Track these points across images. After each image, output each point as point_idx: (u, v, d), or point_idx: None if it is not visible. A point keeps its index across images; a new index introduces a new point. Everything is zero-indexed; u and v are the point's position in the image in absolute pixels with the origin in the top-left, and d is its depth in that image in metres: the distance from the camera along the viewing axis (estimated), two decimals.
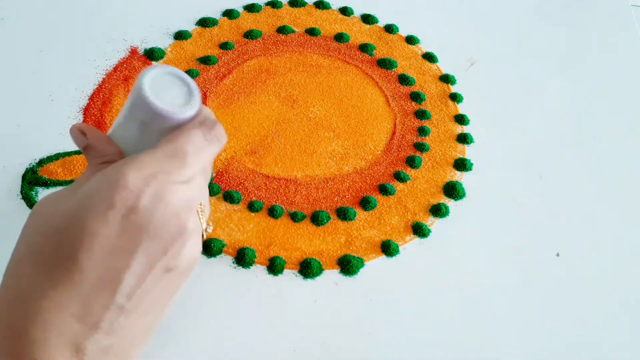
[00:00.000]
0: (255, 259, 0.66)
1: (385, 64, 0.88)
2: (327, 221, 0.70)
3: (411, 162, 0.77)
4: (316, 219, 0.70)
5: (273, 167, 0.75)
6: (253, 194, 0.72)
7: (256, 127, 0.79)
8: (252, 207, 0.71)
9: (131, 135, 0.47)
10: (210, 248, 0.67)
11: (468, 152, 0.79)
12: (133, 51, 0.87)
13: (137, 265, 0.40)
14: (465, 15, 0.98)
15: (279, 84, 0.85)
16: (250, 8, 0.95)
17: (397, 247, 0.69)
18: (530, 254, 0.69)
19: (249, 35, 0.90)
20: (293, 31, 0.92)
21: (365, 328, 0.62)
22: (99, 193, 0.40)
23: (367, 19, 0.95)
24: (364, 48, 0.90)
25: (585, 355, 0.62)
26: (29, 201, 0.69)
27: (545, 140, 0.81)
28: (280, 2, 0.96)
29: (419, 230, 0.70)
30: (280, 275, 0.66)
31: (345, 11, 0.96)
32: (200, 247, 0.46)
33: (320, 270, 0.66)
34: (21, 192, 0.70)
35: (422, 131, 0.80)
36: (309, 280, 0.65)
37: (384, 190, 0.74)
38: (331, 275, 0.66)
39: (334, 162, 0.76)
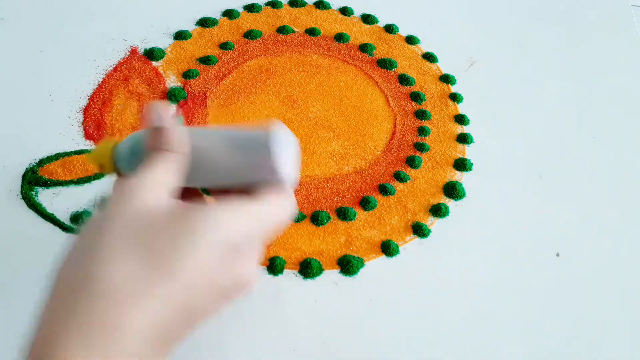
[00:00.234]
0: None
1: (385, 64, 0.88)
2: (327, 221, 0.70)
3: (411, 162, 0.77)
4: (316, 219, 0.70)
5: None
6: None
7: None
8: None
9: (216, 155, 0.46)
10: None
11: (468, 152, 0.79)
12: (133, 51, 0.87)
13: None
14: (465, 15, 0.98)
15: (279, 84, 0.85)
16: (250, 8, 0.95)
17: (397, 247, 0.69)
18: (530, 254, 0.69)
19: (249, 35, 0.90)
20: (293, 31, 0.92)
21: (365, 328, 0.62)
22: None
23: (367, 19, 0.95)
24: (364, 48, 0.90)
25: (585, 355, 0.62)
26: (29, 201, 0.69)
27: (545, 140, 0.81)
28: (280, 2, 0.96)
29: (419, 230, 0.70)
30: (280, 275, 0.66)
31: (345, 11, 0.96)
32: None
33: (320, 270, 0.66)
34: (21, 192, 0.70)
35: (422, 131, 0.80)
36: (309, 280, 0.65)
37: (384, 190, 0.74)
38: (331, 275, 0.66)
39: (334, 162, 0.76)
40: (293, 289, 0.65)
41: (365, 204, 0.72)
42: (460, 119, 0.82)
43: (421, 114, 0.82)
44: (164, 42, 0.88)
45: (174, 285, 0.38)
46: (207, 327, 0.61)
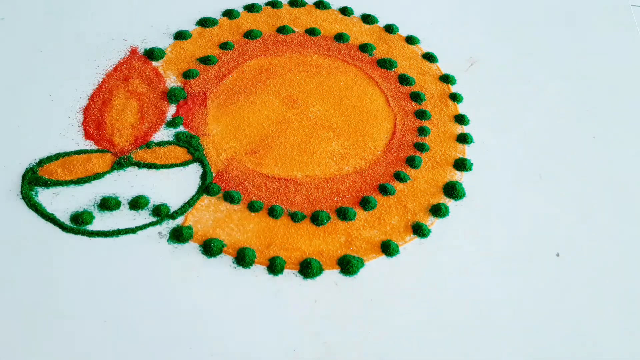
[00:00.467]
0: (255, 259, 0.66)
1: (385, 64, 0.88)
2: (327, 221, 0.70)
3: (411, 162, 0.77)
4: (316, 219, 0.70)
5: (273, 167, 0.75)
6: (253, 194, 0.72)
7: (256, 127, 0.79)
8: (252, 207, 0.71)
9: None
10: (210, 248, 0.67)
11: (468, 152, 0.79)
12: (133, 51, 0.87)
13: None
14: (465, 15, 0.98)
15: (279, 84, 0.85)
16: (250, 8, 0.95)
17: (397, 247, 0.69)
18: (530, 254, 0.69)
19: (249, 35, 0.90)
20: (293, 31, 0.92)
21: (365, 328, 0.62)
22: None
23: (367, 19, 0.95)
24: (364, 48, 0.90)
25: (585, 354, 0.62)
26: (29, 201, 0.69)
27: (545, 140, 0.81)
28: (280, 2, 0.96)
29: (419, 230, 0.70)
30: (280, 275, 0.66)
31: (345, 11, 0.96)
32: None
33: (320, 270, 0.66)
34: (21, 192, 0.70)
35: (422, 131, 0.80)
36: (309, 280, 0.65)
37: (384, 190, 0.74)
38: (331, 275, 0.66)
39: (334, 162, 0.76)
40: (293, 289, 0.65)
41: (365, 204, 0.72)
42: (460, 119, 0.82)
43: (421, 114, 0.82)
44: (164, 42, 0.88)
45: None
46: (207, 327, 0.61)
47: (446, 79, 0.87)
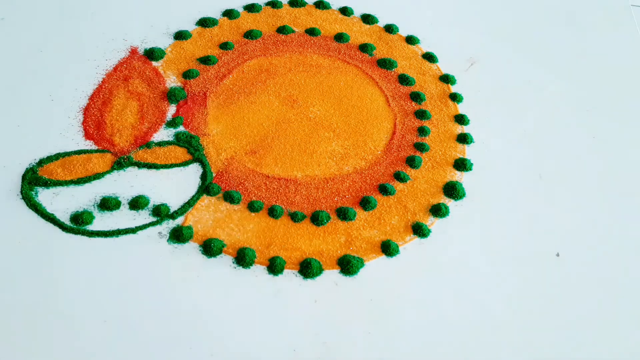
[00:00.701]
0: (255, 259, 0.66)
1: (385, 64, 0.88)
2: (327, 221, 0.70)
3: (411, 162, 0.77)
4: (316, 219, 0.70)
5: (273, 167, 0.75)
6: (253, 194, 0.72)
7: (256, 127, 0.79)
8: (252, 207, 0.71)
9: None
10: (210, 248, 0.67)
11: (468, 152, 0.79)
12: (133, 51, 0.87)
13: None
14: (465, 15, 0.98)
15: (279, 84, 0.85)
16: (250, 8, 0.95)
17: (397, 247, 0.69)
18: (530, 254, 0.69)
19: (249, 35, 0.90)
20: (293, 31, 0.92)
21: (365, 328, 0.62)
22: None
23: (367, 19, 0.95)
24: (364, 48, 0.90)
25: (585, 354, 0.62)
26: (29, 201, 0.69)
27: (546, 141, 0.81)
28: (280, 2, 0.96)
29: (419, 230, 0.70)
30: (280, 275, 0.66)
31: (345, 11, 0.96)
32: None
33: (320, 270, 0.66)
34: (21, 192, 0.70)
35: (422, 131, 0.80)
36: (309, 280, 0.65)
37: (384, 190, 0.74)
38: (331, 275, 0.66)
39: (334, 162, 0.76)
40: (293, 289, 0.65)
41: (365, 204, 0.72)
42: (460, 119, 0.82)
43: (421, 114, 0.82)
44: (164, 42, 0.88)
45: None
46: (207, 327, 0.61)
47: (446, 79, 0.87)
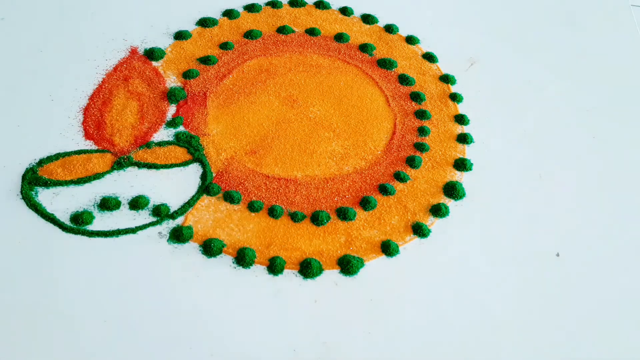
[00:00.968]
0: (255, 259, 0.66)
1: (385, 64, 0.88)
2: (327, 221, 0.70)
3: (411, 162, 0.77)
4: (316, 219, 0.70)
5: (273, 167, 0.75)
6: (253, 194, 0.72)
7: (256, 127, 0.79)
8: (252, 207, 0.71)
9: None
10: (210, 248, 0.67)
11: (468, 152, 0.79)
12: (133, 51, 0.87)
13: None
14: (465, 16, 0.98)
15: (279, 84, 0.85)
16: (250, 8, 0.95)
17: (397, 247, 0.69)
18: (530, 254, 0.69)
19: (249, 35, 0.90)
20: (293, 31, 0.92)
21: (365, 328, 0.62)
22: None
23: (367, 19, 0.95)
24: (364, 48, 0.90)
25: (585, 354, 0.62)
26: (29, 201, 0.69)
27: (546, 140, 0.81)
28: (280, 2, 0.96)
29: (419, 230, 0.70)
30: (280, 275, 0.66)
31: (345, 11, 0.96)
32: None
33: (320, 270, 0.66)
34: (21, 192, 0.70)
35: (422, 131, 0.80)
36: (309, 280, 0.65)
37: (384, 190, 0.74)
38: (331, 275, 0.66)
39: (334, 162, 0.76)
40: (293, 289, 0.65)
41: (365, 204, 0.72)
42: (460, 119, 0.82)
43: (421, 114, 0.82)
44: (164, 42, 0.88)
45: None
46: (207, 327, 0.61)
47: (446, 79, 0.87)
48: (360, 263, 0.67)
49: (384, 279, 0.66)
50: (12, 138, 0.75)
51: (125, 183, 0.72)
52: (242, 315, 0.62)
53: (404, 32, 0.94)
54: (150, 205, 0.70)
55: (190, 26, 0.91)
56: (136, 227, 0.68)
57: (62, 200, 0.70)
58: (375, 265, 0.67)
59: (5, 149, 0.74)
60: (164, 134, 0.77)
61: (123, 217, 0.69)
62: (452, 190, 0.74)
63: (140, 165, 0.73)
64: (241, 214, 0.70)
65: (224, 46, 0.89)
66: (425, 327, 0.62)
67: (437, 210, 0.72)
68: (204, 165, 0.74)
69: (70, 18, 0.91)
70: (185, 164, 0.74)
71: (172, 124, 0.78)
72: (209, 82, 0.84)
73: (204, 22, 0.92)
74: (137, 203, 0.70)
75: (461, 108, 0.84)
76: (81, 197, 0.70)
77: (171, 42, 0.89)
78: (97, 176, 0.72)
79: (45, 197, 0.70)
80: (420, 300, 0.64)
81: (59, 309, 0.61)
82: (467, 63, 0.90)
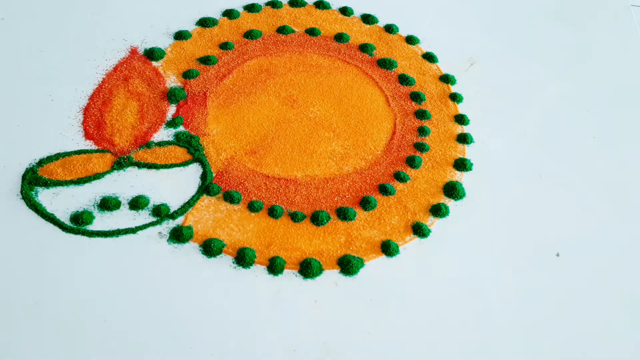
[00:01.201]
0: (255, 259, 0.66)
1: (385, 64, 0.88)
2: (327, 221, 0.70)
3: (411, 162, 0.77)
4: (316, 219, 0.70)
5: (273, 167, 0.75)
6: (253, 194, 0.72)
7: (256, 127, 0.79)
8: (252, 207, 0.71)
9: None
10: (210, 248, 0.67)
11: (468, 152, 0.79)
12: (133, 51, 0.87)
13: None
14: (465, 15, 0.98)
15: (279, 84, 0.85)
16: (250, 8, 0.95)
17: (397, 247, 0.69)
18: (530, 254, 0.69)
19: (249, 35, 0.90)
20: (293, 31, 0.92)
21: (365, 328, 0.62)
22: None
23: (367, 19, 0.95)
24: (364, 48, 0.90)
25: (585, 354, 0.62)
26: (29, 201, 0.69)
27: (545, 140, 0.81)
28: (280, 2, 0.96)
29: (419, 230, 0.70)
30: (280, 275, 0.66)
31: (345, 11, 0.96)
32: None
33: (320, 270, 0.66)
34: (21, 192, 0.70)
35: (422, 131, 0.80)
36: (309, 280, 0.65)
37: (384, 190, 0.74)
38: (331, 275, 0.66)
39: (334, 162, 0.76)
40: (293, 289, 0.65)
41: (365, 204, 0.72)
42: (460, 119, 0.82)
43: (421, 114, 0.82)
44: (164, 42, 0.88)
45: None
46: (207, 327, 0.61)
47: (446, 79, 0.87)
48: (360, 263, 0.67)
49: (384, 279, 0.66)
50: (12, 138, 0.75)
51: (125, 183, 0.72)
52: (242, 315, 0.62)
53: (404, 32, 0.94)
54: (150, 205, 0.70)
55: (190, 26, 0.91)
56: (136, 227, 0.68)
57: (62, 200, 0.70)
58: (375, 265, 0.67)
59: (5, 149, 0.74)
60: (164, 134, 0.77)
61: (123, 217, 0.69)
62: (452, 190, 0.74)
63: (140, 165, 0.73)
64: (241, 214, 0.70)
65: (224, 46, 0.89)
66: (425, 327, 0.62)
67: (437, 210, 0.72)
68: (204, 165, 0.74)
69: (70, 18, 0.91)
70: (185, 164, 0.74)
71: (172, 124, 0.78)
72: (209, 82, 0.84)
73: (204, 22, 0.92)
74: (137, 203, 0.70)
75: (461, 108, 0.84)
76: (81, 197, 0.70)
77: (171, 42, 0.89)
78: (97, 176, 0.72)
79: (45, 197, 0.70)
80: (420, 300, 0.64)
81: (59, 309, 0.61)
82: (467, 63, 0.90)
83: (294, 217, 0.70)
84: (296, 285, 0.65)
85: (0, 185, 0.70)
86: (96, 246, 0.66)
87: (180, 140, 0.76)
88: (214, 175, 0.73)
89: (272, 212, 0.70)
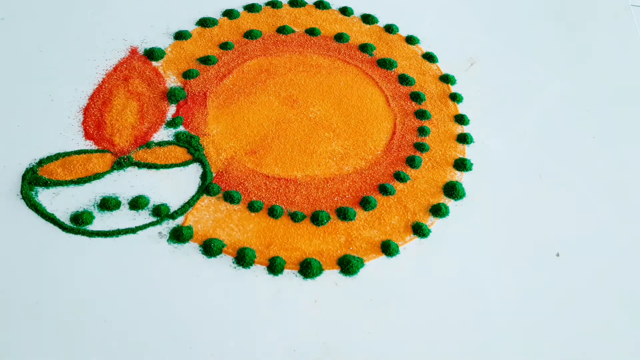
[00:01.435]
0: (255, 259, 0.66)
1: (385, 64, 0.88)
2: (327, 221, 0.70)
3: (411, 162, 0.77)
4: (316, 219, 0.70)
5: (273, 167, 0.75)
6: (253, 194, 0.72)
7: (256, 127, 0.79)
8: (252, 207, 0.71)
9: None
10: (210, 248, 0.67)
11: (468, 152, 0.79)
12: (133, 51, 0.87)
13: None
14: (465, 15, 0.98)
15: (279, 84, 0.85)
16: (250, 8, 0.95)
17: (397, 247, 0.69)
18: (530, 254, 0.69)
19: (249, 35, 0.90)
20: (293, 31, 0.92)
21: (365, 328, 0.62)
22: None
23: (367, 19, 0.95)
24: (364, 48, 0.90)
25: (585, 354, 0.62)
26: (29, 201, 0.69)
27: (545, 140, 0.81)
28: (280, 2, 0.96)
29: (419, 230, 0.70)
30: (280, 275, 0.66)
31: (345, 11, 0.96)
32: None
33: (320, 270, 0.66)
34: (21, 192, 0.70)
35: (422, 131, 0.80)
36: (309, 280, 0.65)
37: (384, 190, 0.74)
38: (331, 275, 0.66)
39: (334, 162, 0.76)
40: (293, 289, 0.65)
41: (365, 204, 0.72)
42: (460, 119, 0.82)
43: (421, 114, 0.82)
44: (164, 42, 0.88)
45: None
46: (207, 327, 0.61)
47: (446, 79, 0.87)
48: (360, 263, 0.67)
49: (384, 279, 0.66)
50: (12, 138, 0.75)
51: (125, 183, 0.72)
52: (242, 315, 0.62)
53: (404, 32, 0.94)
54: (150, 205, 0.70)
55: (190, 26, 0.91)
56: (136, 227, 0.68)
57: (62, 200, 0.70)
58: (375, 265, 0.67)
59: (5, 149, 0.74)
60: (164, 134, 0.77)
61: (123, 217, 0.69)
62: (452, 190, 0.74)
63: (140, 165, 0.73)
64: (241, 214, 0.70)
65: (224, 46, 0.89)
66: (425, 327, 0.62)
67: (437, 210, 0.72)
68: (204, 165, 0.74)
69: (70, 18, 0.91)
70: (185, 164, 0.74)
71: (172, 124, 0.78)
72: (209, 82, 0.84)
73: (204, 22, 0.92)
74: (137, 203, 0.70)
75: (461, 108, 0.84)
76: (81, 197, 0.70)
77: (171, 42, 0.89)
78: (97, 176, 0.72)
79: (45, 197, 0.70)
80: (420, 300, 0.64)
81: (59, 309, 0.61)
82: (467, 63, 0.90)
83: (294, 217, 0.70)
84: (296, 285, 0.65)
85: (0, 185, 0.70)
86: (96, 246, 0.66)
87: (180, 140, 0.76)
88: (214, 175, 0.73)
89: (272, 212, 0.70)
